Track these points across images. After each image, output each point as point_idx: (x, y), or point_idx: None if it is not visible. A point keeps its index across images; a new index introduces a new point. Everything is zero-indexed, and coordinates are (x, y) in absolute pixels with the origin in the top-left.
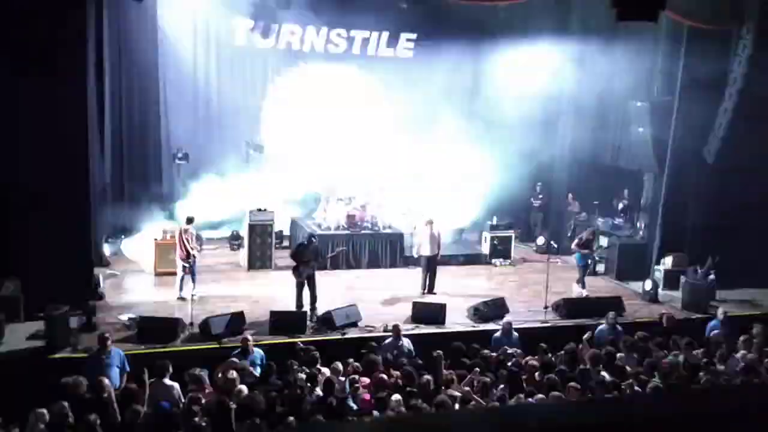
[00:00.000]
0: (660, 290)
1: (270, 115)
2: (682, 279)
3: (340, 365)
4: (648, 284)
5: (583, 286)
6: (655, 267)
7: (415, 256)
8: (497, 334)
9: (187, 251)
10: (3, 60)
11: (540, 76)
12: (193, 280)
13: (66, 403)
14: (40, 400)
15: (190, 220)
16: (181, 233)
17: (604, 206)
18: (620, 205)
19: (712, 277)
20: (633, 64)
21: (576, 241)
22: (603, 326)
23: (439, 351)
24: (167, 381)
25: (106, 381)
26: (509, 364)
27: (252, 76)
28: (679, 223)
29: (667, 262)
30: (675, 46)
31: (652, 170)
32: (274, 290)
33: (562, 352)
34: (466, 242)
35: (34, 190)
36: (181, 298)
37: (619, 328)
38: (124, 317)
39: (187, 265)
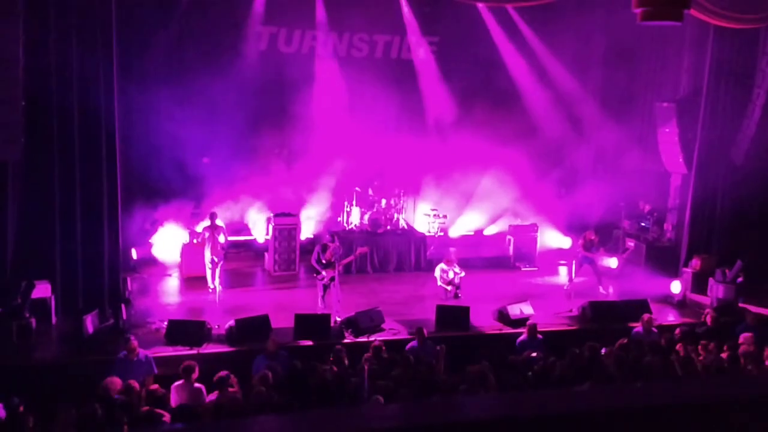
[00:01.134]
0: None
1: (296, 118)
2: (711, 281)
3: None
4: (676, 287)
5: (603, 286)
6: (683, 269)
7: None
8: (522, 337)
9: (221, 246)
10: (40, 64)
11: (563, 75)
12: (219, 275)
13: (97, 405)
14: (71, 401)
15: (215, 215)
16: (213, 229)
17: (630, 208)
18: (647, 207)
19: (740, 279)
20: (659, 63)
21: (580, 241)
22: (638, 329)
23: (442, 345)
24: (194, 384)
25: (134, 384)
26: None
27: (277, 80)
28: (707, 224)
29: (695, 264)
30: (701, 44)
31: (680, 171)
32: (298, 294)
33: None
34: (489, 244)
35: (63, 193)
36: (213, 290)
37: (654, 330)
38: (152, 320)
39: (216, 259)
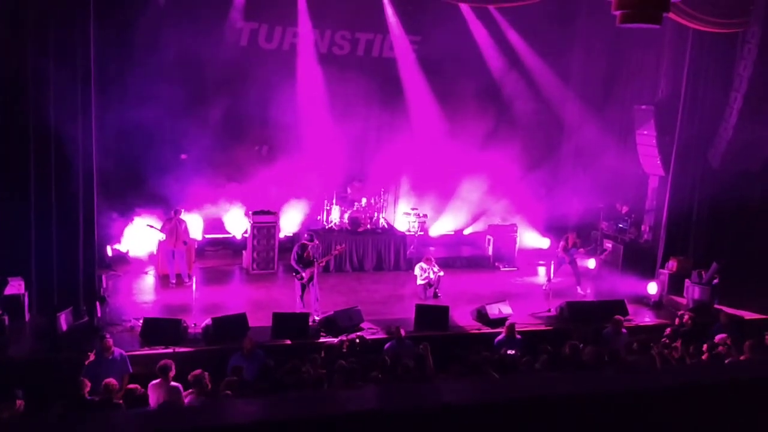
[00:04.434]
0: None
1: (276, 116)
2: (687, 283)
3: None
4: (653, 288)
5: (581, 287)
6: (660, 270)
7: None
8: (500, 337)
9: (183, 241)
10: (15, 60)
11: (544, 77)
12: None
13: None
14: (43, 400)
15: (179, 211)
16: (176, 223)
17: (608, 210)
18: (624, 209)
19: (716, 281)
20: (638, 65)
21: (561, 243)
22: (607, 329)
23: (425, 342)
24: (171, 382)
25: (109, 383)
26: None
27: (258, 77)
28: (684, 226)
29: (672, 265)
30: (680, 48)
31: (657, 173)
32: (277, 292)
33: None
34: (468, 244)
35: (38, 190)
36: (174, 283)
37: (624, 331)
38: (127, 318)
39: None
